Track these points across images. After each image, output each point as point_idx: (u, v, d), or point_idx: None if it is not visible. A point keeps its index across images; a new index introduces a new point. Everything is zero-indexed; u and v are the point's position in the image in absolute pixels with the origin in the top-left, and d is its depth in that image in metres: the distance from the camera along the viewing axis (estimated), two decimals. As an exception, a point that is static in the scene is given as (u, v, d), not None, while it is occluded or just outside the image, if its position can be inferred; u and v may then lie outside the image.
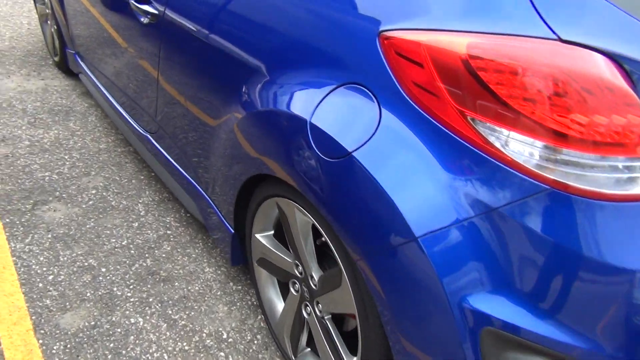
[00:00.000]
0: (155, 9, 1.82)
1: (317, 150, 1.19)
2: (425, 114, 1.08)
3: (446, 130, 1.06)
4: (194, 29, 1.62)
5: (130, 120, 2.34)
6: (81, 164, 2.51)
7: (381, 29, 1.13)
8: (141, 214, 2.23)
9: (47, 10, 3.28)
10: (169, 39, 1.78)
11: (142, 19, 1.90)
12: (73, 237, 2.05)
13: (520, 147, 0.99)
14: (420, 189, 1.06)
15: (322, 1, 1.25)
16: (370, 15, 1.16)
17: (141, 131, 2.25)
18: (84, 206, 2.23)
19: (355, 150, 1.12)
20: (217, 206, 1.75)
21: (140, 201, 2.30)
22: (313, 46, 1.25)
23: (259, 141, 1.38)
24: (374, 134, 1.12)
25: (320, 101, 1.22)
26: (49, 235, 2.04)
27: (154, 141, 2.17)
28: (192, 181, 1.92)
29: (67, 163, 2.50)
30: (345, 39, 1.19)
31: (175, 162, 2.03)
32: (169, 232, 2.15)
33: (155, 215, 2.23)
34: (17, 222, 2.09)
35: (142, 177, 2.47)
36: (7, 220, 2.10)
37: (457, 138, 1.04)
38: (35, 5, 3.51)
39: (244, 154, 1.46)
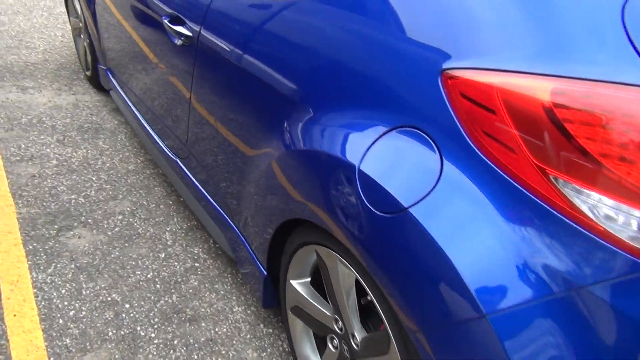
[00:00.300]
0: (190, 30, 1.70)
1: (366, 202, 1.05)
2: (496, 168, 0.93)
3: (522, 189, 0.90)
4: (230, 53, 1.50)
5: (160, 142, 2.23)
6: (108, 186, 2.42)
7: (444, 66, 0.98)
8: (168, 243, 2.11)
9: (80, 24, 3.23)
10: (204, 62, 1.66)
11: (175, 41, 1.80)
12: (97, 267, 1.95)
13: (614, 215, 0.83)
14: (490, 258, 0.90)
15: (377, 28, 1.11)
16: (431, 49, 1.01)
17: (170, 154, 2.15)
18: (109, 233, 2.13)
19: (412, 206, 0.97)
20: (248, 241, 1.62)
21: (167, 229, 2.19)
22: (363, 80, 1.11)
23: (300, 183, 1.25)
24: (434, 187, 0.97)
25: (371, 145, 1.08)
26: (72, 265, 1.94)
27: (182, 166, 2.06)
28: (222, 212, 1.80)
29: (95, 185, 2.41)
30: (401, 74, 1.05)
31: (204, 190, 1.91)
32: (196, 264, 2.02)
33: (183, 246, 2.11)
34: (41, 249, 2.00)
35: (171, 202, 2.36)
36: (31, 247, 2.00)
37: (536, 199, 0.89)
38: (69, 19, 3.47)
39: (283, 195, 1.33)
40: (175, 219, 2.26)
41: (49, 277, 1.88)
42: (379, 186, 1.03)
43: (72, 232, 2.11)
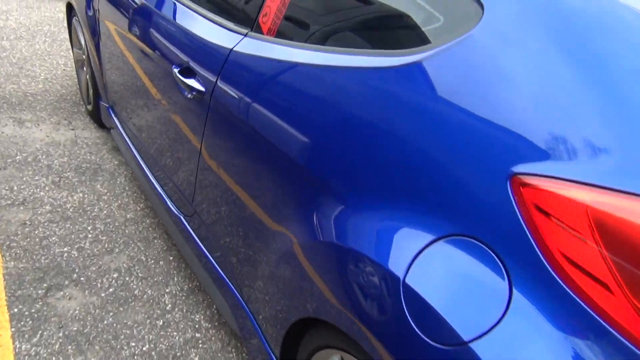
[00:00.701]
0: (203, 85, 1.54)
1: (413, 324, 0.87)
2: (581, 302, 0.75)
3: (616, 333, 0.72)
4: (250, 115, 1.34)
5: (162, 194, 2.06)
6: (105, 237, 2.23)
7: (515, 169, 0.81)
8: (167, 308, 1.92)
9: (83, 57, 3.08)
10: (217, 120, 1.50)
11: (185, 93, 1.64)
12: (87, 336, 1.75)
13: None
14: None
15: (428, 113, 0.94)
16: (500, 146, 0.84)
17: (173, 209, 1.97)
18: (103, 294, 1.94)
19: (474, 340, 0.80)
20: (256, 320, 1.43)
21: (167, 290, 2.00)
22: (412, 173, 0.94)
23: (329, 281, 1.07)
24: (501, 318, 0.80)
25: (418, 253, 0.90)
26: (61, 334, 1.75)
27: (186, 224, 1.88)
28: (228, 282, 1.62)
29: (90, 236, 2.23)
30: (460, 171, 0.88)
31: (210, 255, 1.73)
32: (197, 334, 1.83)
33: (183, 311, 1.92)
34: (27, 312, 1.81)
35: (171, 258, 2.18)
36: (16, 309, 1.81)
37: (633, 347, 0.71)
38: (72, 49, 3.33)
39: (305, 288, 1.15)
40: (175, 279, 2.07)
41: (33, 349, 1.68)
42: (430, 308, 0.85)
43: (62, 292, 1.92)
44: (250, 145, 1.36)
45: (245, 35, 1.46)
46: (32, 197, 2.43)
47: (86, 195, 2.50)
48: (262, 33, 1.42)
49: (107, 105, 2.73)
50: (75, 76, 3.75)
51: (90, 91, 3.03)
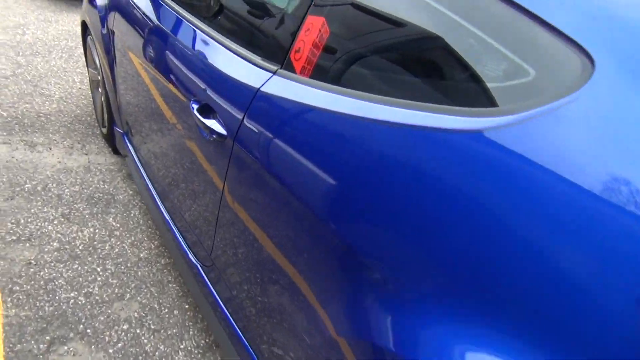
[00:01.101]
0: (225, 128, 1.35)
1: None
2: None
3: None
4: (281, 171, 1.13)
5: (178, 237, 1.87)
6: (115, 280, 2.05)
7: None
8: (181, 368, 1.72)
9: (99, 77, 2.92)
10: (242, 168, 1.30)
11: (205, 135, 1.44)
12: (92, 403, 1.56)
13: None
14: None
15: (532, 194, 0.72)
16: None
17: (190, 256, 1.77)
18: (110, 350, 1.74)
19: None
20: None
21: (181, 346, 1.80)
22: (496, 273, 0.73)
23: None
24: None
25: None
26: (62, 400, 1.56)
27: (204, 274, 1.68)
28: (250, 349, 1.41)
29: (99, 279, 2.04)
30: (574, 277, 0.67)
31: (229, 313, 1.53)
32: (214, 402, 1.63)
33: (199, 373, 1.72)
34: (26, 372, 1.62)
35: (186, 307, 1.98)
36: (14, 369, 1.63)
37: None
38: (87, 69, 3.17)
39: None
40: (190, 332, 1.87)
41: (30, 419, 1.49)
42: None
43: (66, 347, 1.73)
44: (281, 200, 1.16)
45: (274, 73, 1.26)
46: (39, 232, 2.25)
47: (97, 230, 2.32)
48: (294, 72, 1.22)
49: (122, 132, 2.56)
50: (91, 98, 3.60)
51: (106, 114, 2.86)
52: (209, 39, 1.58)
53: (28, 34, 4.56)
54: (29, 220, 2.32)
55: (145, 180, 2.22)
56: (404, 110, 0.90)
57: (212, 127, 1.37)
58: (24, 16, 4.98)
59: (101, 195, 2.58)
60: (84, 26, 2.97)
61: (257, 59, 1.34)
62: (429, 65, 0.95)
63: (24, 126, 3.11)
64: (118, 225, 2.38)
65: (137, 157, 2.35)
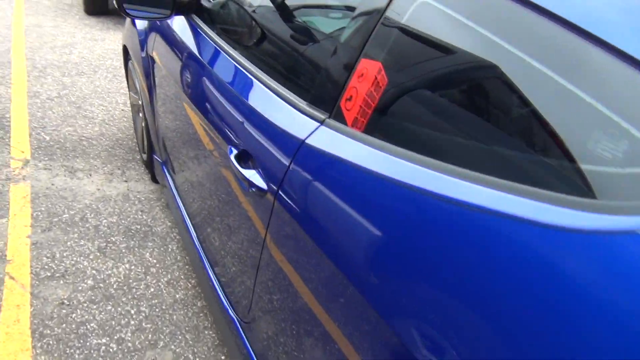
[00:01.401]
0: (264, 181, 1.20)
1: None
2: None
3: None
4: (333, 239, 0.98)
5: (215, 284, 1.73)
6: (149, 325, 1.93)
7: None
8: None
9: (140, 102, 2.84)
10: (286, 224, 1.15)
11: (244, 186, 1.30)
12: None
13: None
14: None
15: None
16: None
17: (226, 306, 1.63)
18: (141, 408, 1.62)
19: None
20: None
21: (216, 405, 1.66)
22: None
23: None
24: None
25: None
26: None
27: (241, 331, 1.54)
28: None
29: (133, 323, 1.93)
30: None
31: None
32: None
33: None
34: None
35: (223, 358, 1.84)
36: None
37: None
38: (129, 92, 3.10)
39: None
40: (227, 388, 1.73)
41: None
42: None
43: (95, 403, 1.62)
44: (324, 266, 1.00)
45: (322, 123, 1.10)
46: (74, 268, 2.16)
47: (133, 267, 2.21)
48: (344, 123, 1.06)
49: (160, 161, 2.46)
50: (132, 118, 3.54)
51: (146, 140, 2.78)
52: (250, 76, 1.44)
53: (75, 53, 4.58)
54: (65, 254, 2.24)
55: (182, 214, 2.10)
56: (490, 192, 0.72)
57: (251, 179, 1.23)
58: (72, 35, 5.03)
59: (139, 227, 2.48)
60: (126, 50, 2.90)
61: (302, 104, 1.19)
62: (518, 134, 0.77)
63: (66, 151, 3.06)
64: (155, 261, 2.27)
65: (175, 189, 2.24)
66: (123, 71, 4.28)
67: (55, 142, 3.15)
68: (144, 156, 2.90)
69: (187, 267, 2.26)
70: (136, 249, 2.33)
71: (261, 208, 1.24)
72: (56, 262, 2.19)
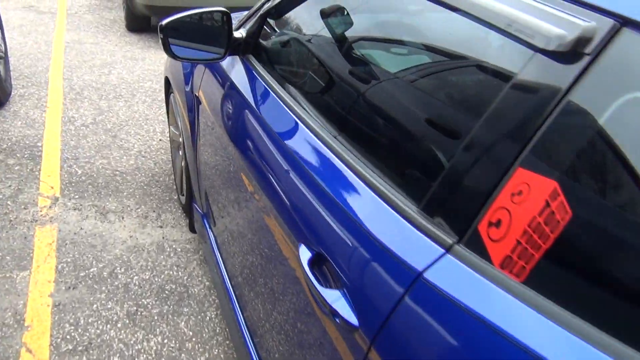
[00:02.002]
0: (356, 315, 0.87)
1: None
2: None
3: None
4: None
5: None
6: None
7: None
8: None
9: (180, 140, 2.56)
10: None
11: (321, 307, 0.97)
12: None
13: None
14: None
15: None
16: None
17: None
18: None
19: None
20: None
21: None
22: None
23: None
24: None
25: None
26: None
27: None
28: None
29: (163, 420, 1.61)
30: None
31: None
32: None
33: None
34: None
35: None
36: None
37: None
38: (169, 127, 2.83)
39: None
40: None
41: None
42: None
43: None
44: None
45: (448, 250, 0.77)
46: (99, 340, 1.87)
47: (166, 341, 1.91)
48: (487, 259, 0.72)
49: (201, 213, 2.16)
50: (170, 154, 3.27)
51: (185, 183, 2.49)
52: (325, 148, 1.12)
53: (113, 74, 4.37)
54: (90, 320, 1.95)
55: (223, 276, 1.79)
56: None
57: (335, 306, 0.90)
58: (112, 54, 4.83)
59: (174, 286, 2.18)
60: (168, 82, 2.63)
61: (411, 209, 0.86)
62: None
63: (98, 187, 2.80)
64: (191, 333, 1.96)
65: (217, 249, 1.93)
66: (162, 96, 4.04)
67: (88, 176, 2.90)
68: (182, 199, 2.62)
69: (227, 343, 1.94)
70: (170, 315, 2.03)
71: (350, 344, 0.91)
72: (80, 330, 1.91)
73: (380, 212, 0.90)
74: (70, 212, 2.59)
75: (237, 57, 1.72)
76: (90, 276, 2.18)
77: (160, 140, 3.38)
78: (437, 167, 0.88)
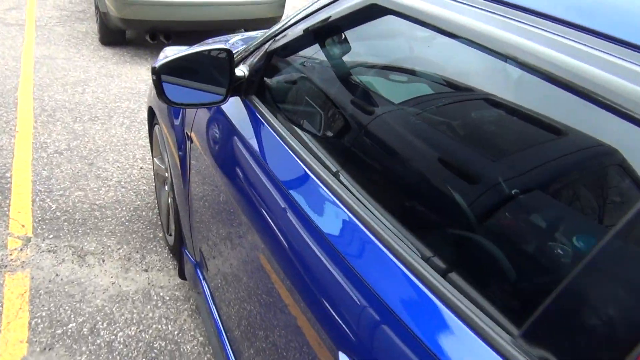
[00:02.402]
0: None
1: None
2: None
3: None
4: None
5: None
6: None
7: None
8: None
9: (166, 174, 2.34)
10: None
11: None
12: None
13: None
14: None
15: None
16: None
17: None
18: None
19: None
20: None
21: None
22: None
23: None
24: None
25: None
26: None
27: None
28: None
29: None
30: None
31: None
32: None
33: None
34: None
35: None
36: None
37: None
38: (152, 158, 2.61)
39: None
40: None
41: None
42: None
43: None
44: None
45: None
46: (80, 415, 1.65)
47: (157, 412, 1.69)
48: None
49: (194, 262, 1.95)
50: (153, 178, 3.04)
51: (172, 222, 2.28)
52: (358, 223, 0.94)
53: (88, 93, 4.12)
54: (69, 389, 1.73)
55: (219, 334, 1.59)
56: None
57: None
58: (86, 70, 4.57)
59: (163, 344, 1.96)
60: (151, 113, 2.41)
61: (504, 341, 0.68)
62: None
63: (74, 225, 2.57)
64: (185, 402, 1.75)
65: (212, 301, 1.73)
66: (141, 116, 3.81)
67: (63, 211, 2.66)
68: (169, 239, 2.40)
69: (227, 412, 1.73)
70: (161, 380, 1.81)
71: None
72: (58, 403, 1.68)
73: (459, 338, 0.72)
74: (44, 255, 2.35)
75: (237, 98, 1.53)
76: (69, 333, 1.95)
77: (141, 168, 3.15)
78: (547, 276, 0.70)
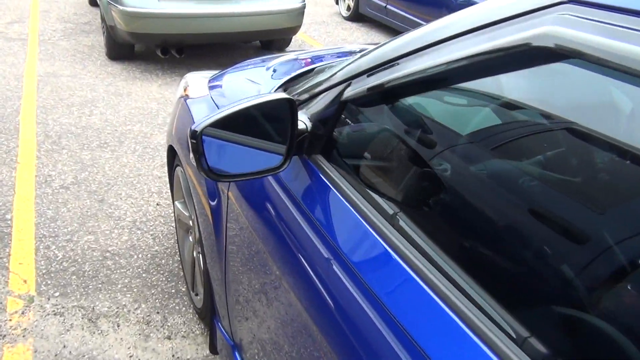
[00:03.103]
0: None
1: None
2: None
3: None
4: None
5: None
6: None
7: None
8: None
9: (190, 223, 2.00)
10: None
11: None
12: None
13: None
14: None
15: None
16: None
17: None
18: None
19: None
20: None
21: None
22: None
23: None
24: None
25: None
26: None
27: None
28: None
29: None
30: None
31: None
32: None
33: None
34: None
35: None
36: None
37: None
38: (173, 202, 2.26)
39: None
40: None
41: None
42: None
43: None
44: None
45: None
46: None
47: None
48: None
49: (231, 343, 1.60)
50: (172, 214, 2.69)
51: (199, 281, 1.93)
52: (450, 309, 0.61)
53: (96, 114, 3.78)
54: None
55: None
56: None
57: None
58: (93, 88, 4.23)
59: None
60: (172, 152, 2.07)
61: None
62: None
63: (84, 278, 2.22)
64: None
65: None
66: (154, 142, 3.47)
67: (71, 261, 2.32)
68: (195, 299, 2.06)
69: None
70: None
71: None
72: None
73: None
74: (49, 319, 2.01)
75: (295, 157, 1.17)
76: None
77: (157, 204, 2.80)
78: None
